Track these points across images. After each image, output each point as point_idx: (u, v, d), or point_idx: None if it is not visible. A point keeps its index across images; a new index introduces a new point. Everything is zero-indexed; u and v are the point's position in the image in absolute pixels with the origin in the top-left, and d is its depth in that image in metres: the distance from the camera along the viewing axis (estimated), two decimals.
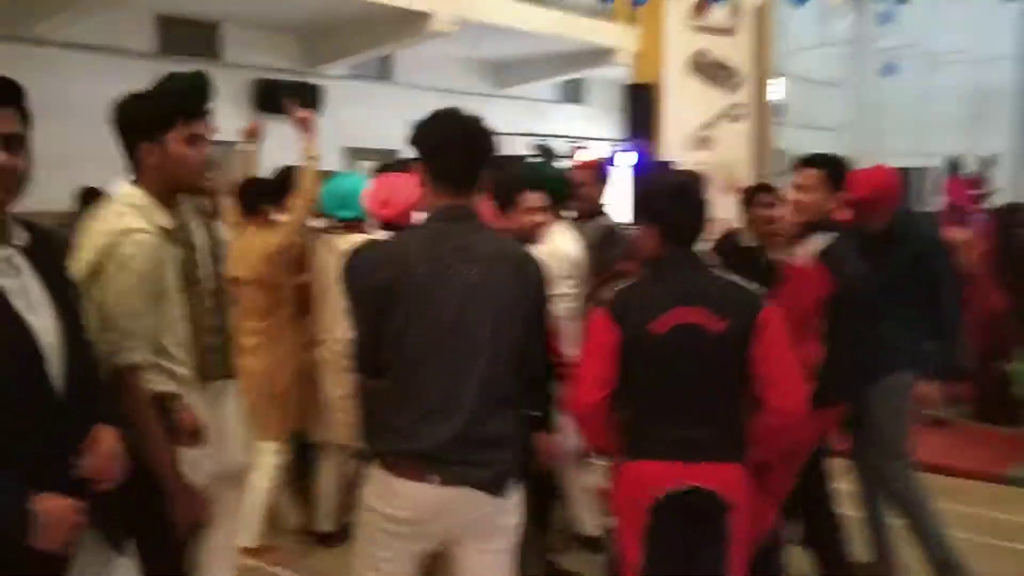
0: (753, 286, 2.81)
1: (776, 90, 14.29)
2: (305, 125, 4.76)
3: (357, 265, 2.54)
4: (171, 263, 2.66)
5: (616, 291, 2.87)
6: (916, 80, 16.22)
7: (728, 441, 2.77)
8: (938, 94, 16.81)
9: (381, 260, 2.48)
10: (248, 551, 4.56)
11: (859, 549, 4.26)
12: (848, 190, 3.90)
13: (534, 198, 3.66)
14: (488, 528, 2.53)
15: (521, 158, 11.49)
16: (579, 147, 12.06)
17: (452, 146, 2.49)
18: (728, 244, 4.41)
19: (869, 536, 4.34)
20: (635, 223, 3.03)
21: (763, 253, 4.12)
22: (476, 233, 2.53)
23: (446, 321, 2.42)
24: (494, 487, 2.48)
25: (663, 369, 2.75)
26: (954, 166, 14.08)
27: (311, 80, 11.43)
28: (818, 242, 3.74)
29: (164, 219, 2.68)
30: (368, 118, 11.60)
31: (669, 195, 2.84)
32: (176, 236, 2.71)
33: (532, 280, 2.58)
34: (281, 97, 5.91)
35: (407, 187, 3.95)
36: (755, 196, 4.45)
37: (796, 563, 4.15)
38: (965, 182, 13.48)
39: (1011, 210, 7.69)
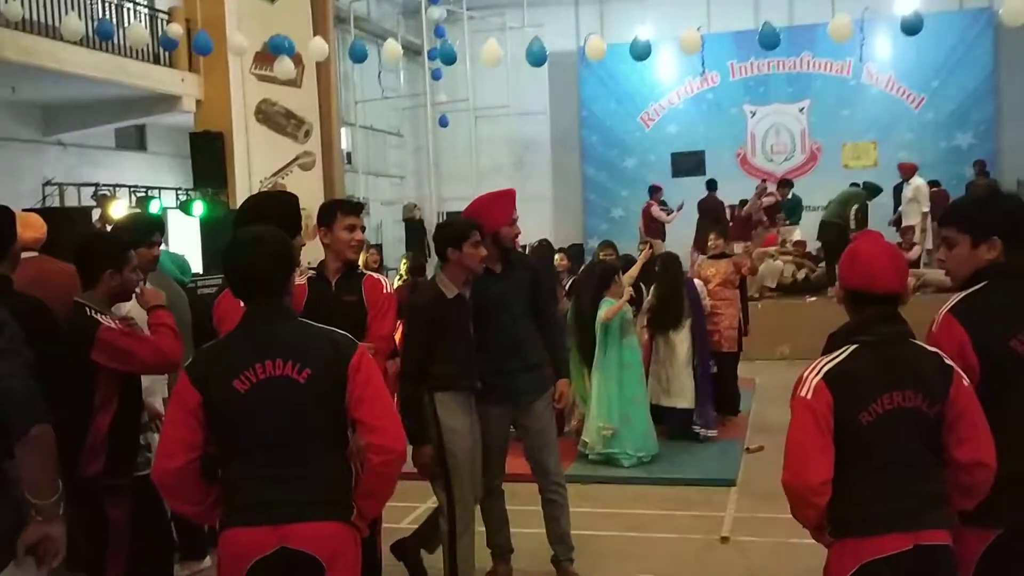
0: (340, 332, 2.73)
1: (343, 139, 14.87)
2: None
3: None
4: None
5: (197, 352, 2.80)
6: (467, 131, 17.79)
7: (324, 497, 2.63)
8: (486, 143, 18.59)
9: None
10: None
11: None
12: None
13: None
14: None
15: (81, 210, 10.74)
16: (144, 196, 11.49)
17: None
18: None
19: None
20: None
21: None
22: None
23: None
24: None
25: (249, 427, 2.61)
26: None
27: None
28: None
29: None
30: None
31: (234, 250, 2.75)
32: None
33: None
34: None
35: None
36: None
37: None
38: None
39: (543, 248, 8.53)
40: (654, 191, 14.81)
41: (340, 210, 3.97)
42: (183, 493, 2.70)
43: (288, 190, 12.64)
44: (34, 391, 2.39)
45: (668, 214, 14.33)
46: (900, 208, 13.46)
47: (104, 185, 11.37)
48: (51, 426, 2.39)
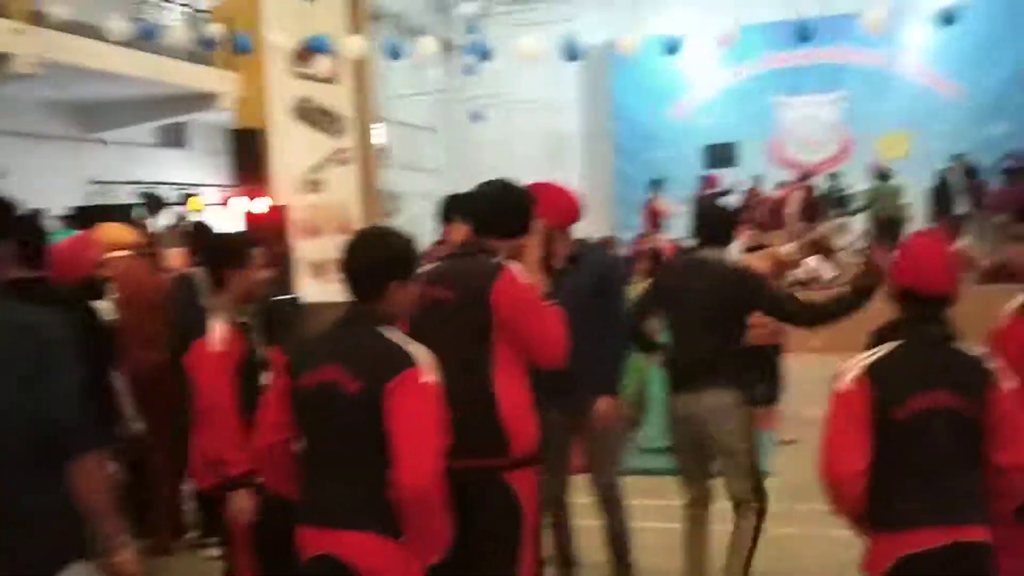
0: (408, 348, 2.60)
1: (379, 135, 15.00)
2: None
3: None
4: None
5: (299, 340, 2.89)
6: (500, 125, 17.89)
7: (370, 509, 2.54)
8: (519, 137, 18.66)
9: None
10: None
11: None
12: None
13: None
14: None
15: (126, 207, 11.01)
16: (189, 194, 11.73)
17: None
18: None
19: None
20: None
21: None
22: None
23: None
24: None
25: (306, 425, 2.65)
26: None
27: None
28: None
29: None
30: None
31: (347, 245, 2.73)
32: None
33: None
34: None
35: None
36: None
37: None
38: None
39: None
40: (655, 185, 14.87)
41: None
42: (274, 473, 2.79)
43: (325, 187, 12.85)
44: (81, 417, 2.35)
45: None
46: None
47: (146, 183, 11.61)
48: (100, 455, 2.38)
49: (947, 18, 12.50)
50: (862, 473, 2.60)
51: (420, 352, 2.57)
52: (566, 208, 3.97)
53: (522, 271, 3.12)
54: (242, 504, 3.35)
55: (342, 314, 2.69)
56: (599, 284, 4.09)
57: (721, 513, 4.36)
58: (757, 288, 4.18)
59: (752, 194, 15.09)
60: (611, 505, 4.41)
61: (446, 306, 3.10)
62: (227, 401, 3.38)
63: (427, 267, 3.24)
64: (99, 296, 4.18)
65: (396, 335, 2.62)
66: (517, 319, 3.05)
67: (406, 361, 2.53)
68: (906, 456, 2.61)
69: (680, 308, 4.18)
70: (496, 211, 3.28)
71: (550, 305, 3.13)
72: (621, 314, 4.28)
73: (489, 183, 3.38)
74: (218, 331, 3.49)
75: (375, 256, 2.65)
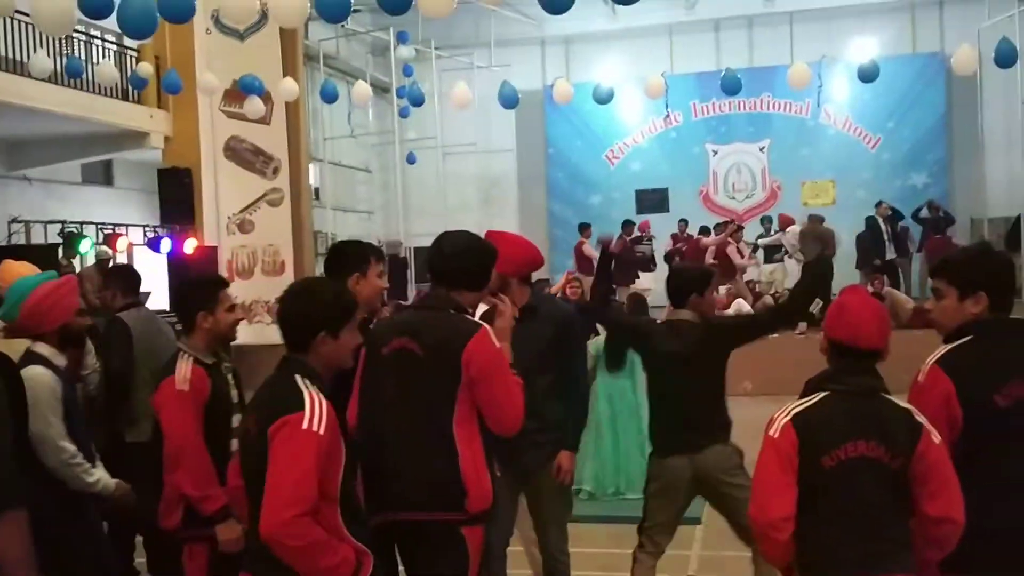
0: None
1: (312, 176, 14.94)
2: None
3: None
4: None
5: None
6: (435, 168, 17.94)
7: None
8: (454, 180, 18.72)
9: None
10: None
11: None
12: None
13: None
14: None
15: (48, 247, 10.69)
16: (115, 233, 11.46)
17: None
18: None
19: None
20: None
21: None
22: None
23: None
24: None
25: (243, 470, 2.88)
26: None
27: None
28: None
29: None
30: None
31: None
32: None
33: None
34: None
35: None
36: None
37: None
38: None
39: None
40: (583, 228, 15.10)
41: (374, 256, 3.66)
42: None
43: (256, 227, 12.70)
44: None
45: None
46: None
47: (71, 222, 11.32)
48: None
49: (868, 74, 13.03)
50: (790, 518, 2.63)
51: (313, 399, 2.59)
52: (523, 259, 3.97)
53: (494, 335, 3.13)
54: (230, 535, 3.35)
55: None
56: (558, 336, 3.97)
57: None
58: (730, 328, 4.32)
59: (678, 239, 15.32)
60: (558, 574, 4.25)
61: (415, 358, 3.11)
62: (195, 440, 3.42)
63: (397, 316, 3.38)
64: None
65: (305, 383, 2.63)
66: (482, 383, 3.07)
67: (294, 406, 2.56)
68: (834, 504, 2.66)
69: (668, 373, 4.25)
70: (462, 265, 3.27)
71: (514, 375, 3.15)
72: (580, 367, 4.24)
73: (450, 235, 3.37)
74: (184, 371, 3.50)
75: (301, 309, 2.72)
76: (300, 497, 2.48)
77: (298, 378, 2.63)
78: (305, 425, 2.52)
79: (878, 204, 14.69)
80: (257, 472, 2.56)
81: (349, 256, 3.58)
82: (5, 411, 2.43)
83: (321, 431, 2.53)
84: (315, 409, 2.56)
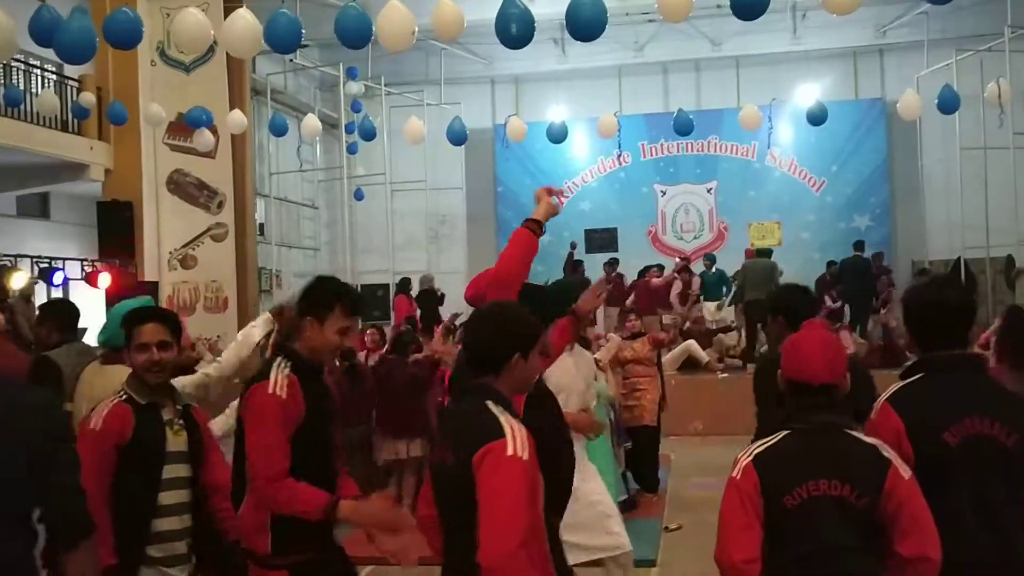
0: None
1: (257, 211, 14.68)
2: None
3: None
4: None
5: None
6: (382, 204, 17.80)
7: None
8: (402, 217, 18.57)
9: None
10: None
11: None
12: None
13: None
14: None
15: None
16: (52, 268, 11.09)
17: None
18: None
19: None
20: None
21: None
22: None
23: None
24: None
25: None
26: (402, 285, 15.36)
27: None
28: None
29: None
30: None
31: None
32: None
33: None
34: None
35: None
36: None
37: None
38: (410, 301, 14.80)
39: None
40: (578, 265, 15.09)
41: (343, 306, 3.16)
42: None
43: (198, 262, 12.41)
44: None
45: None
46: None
47: (4, 255, 10.94)
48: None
49: (817, 117, 13.30)
50: (755, 560, 2.61)
51: (512, 424, 2.55)
52: None
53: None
54: None
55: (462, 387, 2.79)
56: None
57: None
58: None
59: (612, 279, 15.10)
60: None
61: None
62: (92, 486, 2.79)
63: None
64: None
65: (498, 409, 2.60)
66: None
67: (495, 433, 2.52)
68: (798, 545, 2.62)
69: None
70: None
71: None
72: None
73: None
74: (101, 408, 3.22)
75: (494, 332, 2.72)
76: (518, 526, 2.44)
77: (490, 404, 2.61)
78: (510, 451, 2.48)
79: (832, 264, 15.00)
80: (453, 502, 2.56)
81: (315, 294, 3.19)
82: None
83: (525, 456, 2.50)
84: (516, 435, 2.52)
